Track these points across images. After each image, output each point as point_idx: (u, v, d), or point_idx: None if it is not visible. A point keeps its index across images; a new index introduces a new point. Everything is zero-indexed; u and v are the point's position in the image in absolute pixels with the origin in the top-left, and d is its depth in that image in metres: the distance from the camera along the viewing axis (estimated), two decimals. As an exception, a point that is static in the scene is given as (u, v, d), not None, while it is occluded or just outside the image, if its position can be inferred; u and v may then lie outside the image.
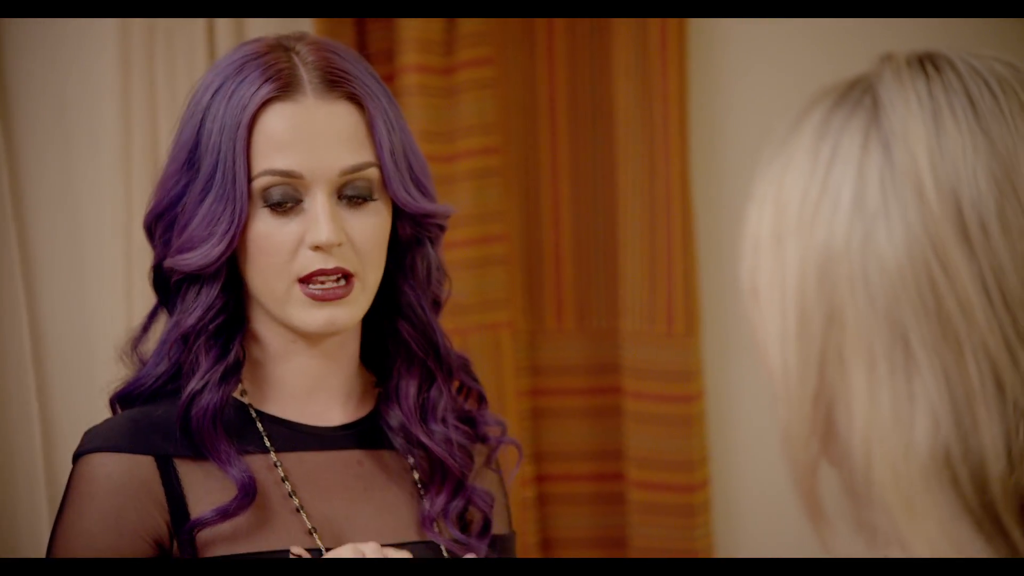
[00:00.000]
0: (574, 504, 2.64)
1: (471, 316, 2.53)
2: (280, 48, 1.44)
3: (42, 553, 2.32)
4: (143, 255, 2.39)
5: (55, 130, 2.45)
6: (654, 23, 2.52)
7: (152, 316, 1.51)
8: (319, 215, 1.40)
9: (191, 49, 2.42)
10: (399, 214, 1.47)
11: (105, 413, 2.37)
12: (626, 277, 2.57)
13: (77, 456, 1.44)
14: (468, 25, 2.52)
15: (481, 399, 1.57)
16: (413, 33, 2.49)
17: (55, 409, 2.44)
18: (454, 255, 2.41)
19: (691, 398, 2.56)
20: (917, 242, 0.84)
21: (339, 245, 1.41)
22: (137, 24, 2.41)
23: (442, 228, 1.50)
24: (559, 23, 2.59)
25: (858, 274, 0.85)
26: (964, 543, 0.82)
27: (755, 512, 2.65)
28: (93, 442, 1.44)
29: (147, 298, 2.36)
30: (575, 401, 2.64)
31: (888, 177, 0.86)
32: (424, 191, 1.48)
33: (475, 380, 1.56)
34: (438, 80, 2.53)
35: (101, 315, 2.45)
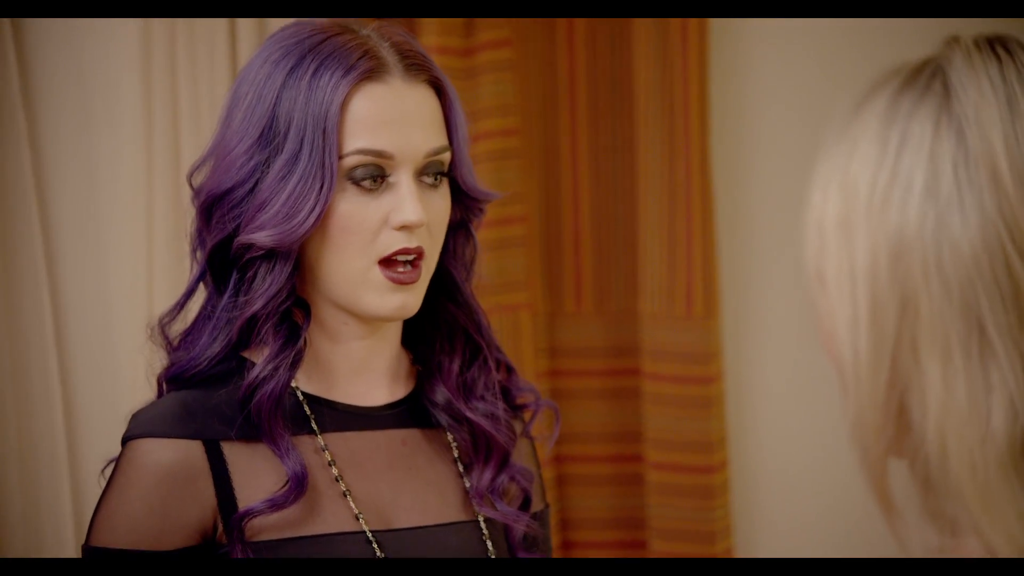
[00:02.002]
0: (593, 485, 2.64)
1: (490, 297, 2.53)
2: (348, 30, 1.45)
3: (63, 536, 2.35)
4: (164, 240, 2.39)
5: (76, 115, 2.44)
6: (675, 4, 2.51)
7: (189, 294, 1.50)
8: (406, 195, 1.41)
9: (212, 37, 2.41)
10: (452, 197, 1.49)
11: (126, 395, 2.39)
12: (645, 259, 2.57)
13: (126, 439, 1.44)
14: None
15: (510, 369, 1.58)
16: (434, 14, 2.48)
17: (77, 392, 2.44)
18: (474, 237, 2.41)
19: (710, 379, 2.56)
20: (992, 227, 0.83)
21: (423, 225, 1.42)
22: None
23: (483, 211, 1.52)
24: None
25: (932, 261, 0.84)
26: (1043, 532, 0.81)
27: (773, 493, 2.65)
28: (142, 427, 1.43)
29: (168, 282, 2.38)
30: (594, 382, 2.64)
31: (961, 163, 0.85)
32: (474, 176, 1.49)
33: (502, 352, 1.57)
34: (458, 61, 2.52)
35: (122, 300, 2.44)
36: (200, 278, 1.48)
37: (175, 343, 1.49)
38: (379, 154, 1.41)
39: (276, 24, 2.41)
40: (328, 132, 1.40)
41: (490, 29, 2.52)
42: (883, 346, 0.85)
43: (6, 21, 2.35)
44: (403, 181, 1.42)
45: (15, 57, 2.36)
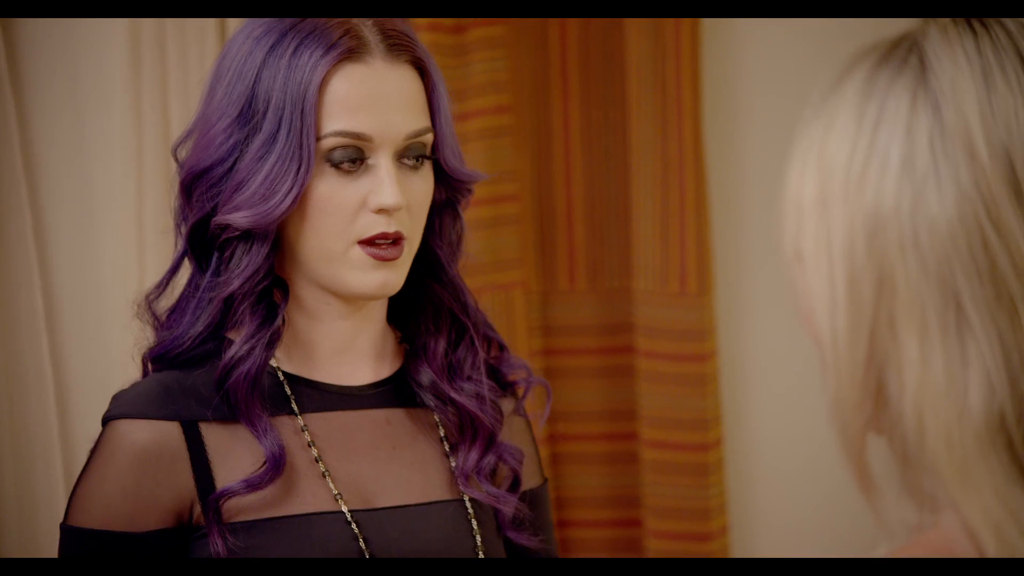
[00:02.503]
0: (587, 463, 2.64)
1: (483, 276, 2.52)
2: None
3: (56, 514, 2.35)
4: (155, 217, 2.39)
5: (66, 97, 2.44)
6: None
7: (173, 271, 1.50)
8: (384, 178, 1.40)
9: (202, 22, 2.41)
10: (437, 178, 1.47)
11: (119, 377, 2.38)
12: (638, 236, 2.56)
13: (105, 420, 1.44)
14: (479, -17, 2.50)
15: (502, 347, 1.57)
16: (424, -9, 2.47)
17: (69, 372, 2.44)
18: (466, 215, 2.40)
19: (704, 357, 2.56)
20: (969, 202, 0.83)
21: (401, 208, 1.41)
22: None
23: (471, 192, 1.51)
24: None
25: (908, 237, 0.84)
26: (1019, 508, 0.81)
27: (768, 471, 2.65)
28: (121, 408, 1.43)
29: (159, 260, 2.38)
30: (588, 361, 2.64)
31: (938, 137, 0.84)
32: (460, 158, 1.48)
33: (493, 330, 1.56)
34: (449, 38, 2.51)
35: (113, 278, 2.44)
36: (184, 255, 1.47)
37: (163, 320, 1.49)
38: (358, 136, 1.40)
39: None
40: (306, 113, 1.38)
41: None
42: (861, 323, 0.85)
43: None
44: (382, 164, 1.40)
45: (2, 43, 2.35)
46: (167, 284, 1.50)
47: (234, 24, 2.40)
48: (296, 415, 1.46)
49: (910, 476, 0.84)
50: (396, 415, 1.50)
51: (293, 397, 1.46)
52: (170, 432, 1.41)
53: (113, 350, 2.43)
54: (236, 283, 1.42)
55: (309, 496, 1.43)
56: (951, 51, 0.86)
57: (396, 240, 1.41)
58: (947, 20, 0.89)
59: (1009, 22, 0.88)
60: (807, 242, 0.87)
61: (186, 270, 1.49)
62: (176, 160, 1.48)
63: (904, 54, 0.88)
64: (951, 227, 0.83)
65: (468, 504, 1.49)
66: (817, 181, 0.88)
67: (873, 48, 0.90)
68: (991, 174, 0.83)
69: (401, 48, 1.42)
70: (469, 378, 1.51)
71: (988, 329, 0.82)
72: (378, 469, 1.47)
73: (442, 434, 1.51)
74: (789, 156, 0.93)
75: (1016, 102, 0.84)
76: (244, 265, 1.42)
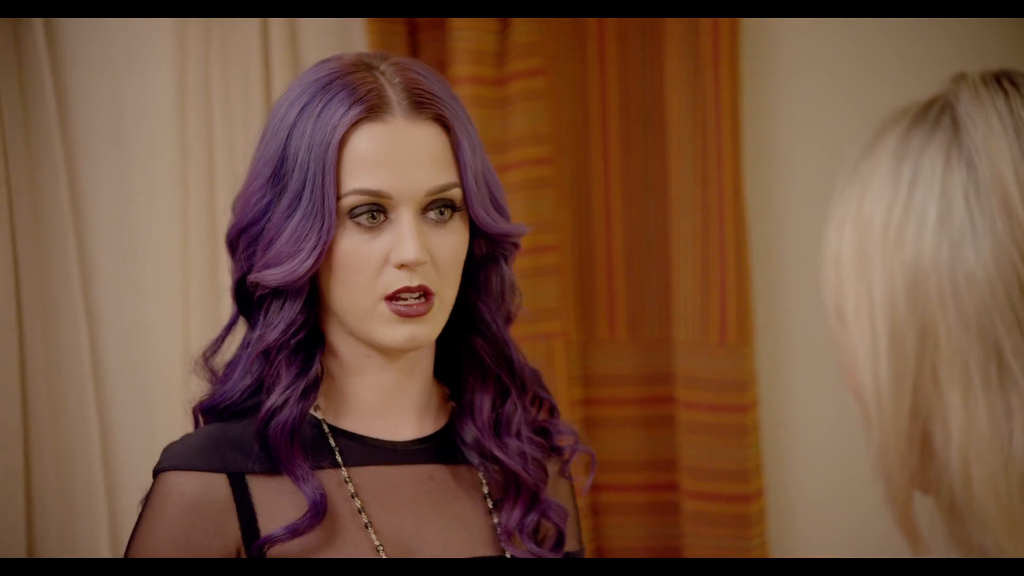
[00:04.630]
0: (628, 514, 2.63)
1: (524, 326, 2.53)
2: (364, 67, 1.45)
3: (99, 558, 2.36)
4: (200, 266, 2.41)
5: (112, 145, 2.47)
6: (706, 30, 2.52)
7: (229, 328, 1.52)
8: (405, 234, 1.41)
9: (245, 52, 2.44)
10: (475, 232, 1.48)
11: (161, 424, 2.40)
12: (678, 286, 2.57)
13: (156, 472, 1.46)
14: (520, 36, 2.52)
15: (552, 410, 1.57)
16: (465, 44, 2.49)
17: (113, 420, 2.46)
18: (507, 266, 2.42)
19: (745, 408, 2.55)
20: (1006, 254, 0.84)
21: (423, 264, 1.42)
22: (192, 27, 2.43)
23: (516, 246, 1.51)
24: (610, 33, 2.59)
25: (948, 290, 0.84)
26: (1067, 557, 0.81)
27: (811, 522, 2.64)
28: (170, 460, 1.45)
29: (204, 313, 2.40)
30: (628, 411, 2.64)
31: (973, 193, 0.86)
32: (501, 211, 1.49)
33: (546, 391, 1.57)
34: (490, 91, 2.53)
35: (158, 327, 2.46)
36: (239, 312, 1.50)
37: (219, 374, 1.51)
38: (376, 194, 1.42)
39: (307, 54, 2.43)
40: (327, 172, 1.41)
41: (523, 58, 2.53)
42: (904, 376, 0.85)
43: (42, 49, 2.37)
44: (403, 219, 1.42)
45: (52, 86, 2.39)
46: (223, 340, 1.52)
47: (277, 72, 2.42)
48: (340, 467, 1.47)
49: (957, 528, 0.84)
50: (439, 471, 1.50)
51: (337, 449, 1.47)
52: (217, 483, 1.43)
53: (156, 397, 2.45)
54: (271, 337, 1.44)
55: (351, 546, 1.44)
56: (983, 110, 0.88)
57: (425, 295, 1.42)
58: (978, 79, 0.91)
59: None
60: (848, 299, 0.88)
61: (242, 327, 1.52)
62: (233, 215, 1.51)
63: (936, 115, 0.90)
64: (989, 279, 0.84)
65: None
66: (856, 240, 0.89)
67: (905, 110, 0.92)
68: None
69: (424, 106, 1.44)
70: (516, 434, 1.51)
71: None
72: (420, 524, 1.47)
73: (485, 491, 1.52)
74: (827, 213, 0.94)
75: None
76: (278, 321, 1.44)
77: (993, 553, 0.83)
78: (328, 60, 1.48)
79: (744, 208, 2.55)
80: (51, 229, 2.38)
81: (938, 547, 0.85)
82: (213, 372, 1.51)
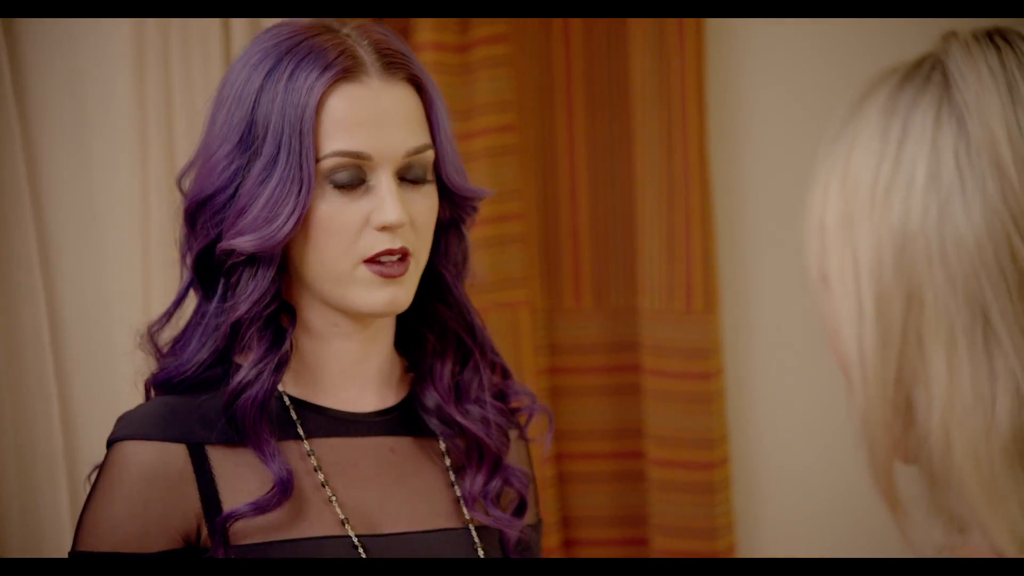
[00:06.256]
0: (594, 482, 2.63)
1: (488, 295, 2.52)
2: (327, 30, 1.43)
3: (61, 535, 2.34)
4: (161, 242, 2.38)
5: (71, 118, 2.43)
6: (671, -2, 2.50)
7: (178, 303, 1.49)
8: (386, 196, 1.40)
9: (205, 37, 2.40)
10: (440, 195, 1.47)
11: (124, 398, 2.37)
12: (644, 255, 2.56)
13: (111, 442, 1.43)
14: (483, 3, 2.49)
15: (505, 373, 1.56)
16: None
17: (74, 395, 2.43)
18: (471, 234, 2.40)
19: (710, 375, 2.55)
20: (996, 215, 0.82)
21: (404, 225, 1.40)
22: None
23: (475, 210, 1.50)
24: (574, -1, 2.57)
25: (936, 252, 0.83)
26: (1048, 526, 0.80)
27: (775, 489, 2.64)
28: (127, 429, 1.43)
29: (165, 285, 2.37)
30: (594, 379, 2.63)
31: (963, 151, 0.84)
32: (463, 174, 1.47)
33: (498, 355, 1.56)
34: (454, 58, 2.51)
35: (119, 302, 2.44)
36: (189, 285, 1.47)
37: (164, 350, 1.48)
38: (357, 155, 1.40)
39: (269, 23, 2.40)
40: (304, 135, 1.38)
41: (486, 25, 2.50)
42: (890, 341, 0.84)
43: (-2, 23, 2.34)
44: (383, 181, 1.40)
45: (7, 59, 2.35)
46: (171, 315, 1.50)
47: (239, 41, 2.39)
48: (302, 439, 1.45)
49: (938, 496, 0.83)
50: (401, 443, 1.49)
51: (299, 421, 1.46)
52: (176, 453, 1.41)
53: (118, 372, 2.42)
54: (243, 308, 1.42)
55: (316, 521, 1.42)
56: (975, 66, 0.86)
57: (403, 256, 1.41)
58: (969, 36, 0.89)
59: None
60: (832, 263, 0.87)
61: (191, 301, 1.49)
62: (180, 191, 1.47)
63: (927, 72, 0.88)
64: (978, 240, 0.82)
65: (473, 532, 1.48)
66: (841, 201, 0.87)
67: (894, 69, 0.91)
68: (1018, 186, 0.82)
69: (397, 66, 1.42)
70: (475, 400, 1.50)
71: (1016, 343, 0.81)
72: (383, 496, 1.46)
73: (447, 463, 1.51)
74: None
75: None
76: (251, 289, 1.42)
77: (971, 523, 0.82)
78: (281, 25, 1.45)
79: (710, 176, 2.54)
80: (8, 200, 2.35)
81: (919, 516, 0.84)
82: (158, 347, 1.48)
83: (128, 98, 2.42)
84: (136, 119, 2.41)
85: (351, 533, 1.42)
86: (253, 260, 1.41)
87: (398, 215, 1.39)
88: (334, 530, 1.42)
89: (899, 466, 0.85)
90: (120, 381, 2.40)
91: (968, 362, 0.82)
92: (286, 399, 1.46)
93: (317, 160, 1.39)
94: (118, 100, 2.43)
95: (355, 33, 1.43)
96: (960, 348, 0.82)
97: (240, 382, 1.41)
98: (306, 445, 1.45)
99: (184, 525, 1.40)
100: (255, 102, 1.40)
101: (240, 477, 1.41)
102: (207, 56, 2.40)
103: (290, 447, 1.44)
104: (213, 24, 2.40)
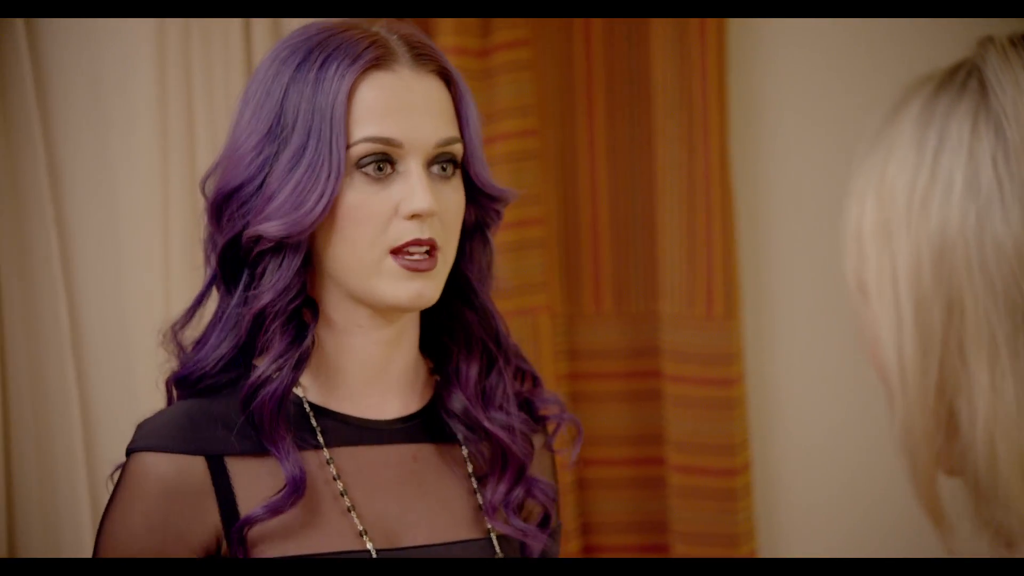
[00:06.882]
0: (614, 488, 2.62)
1: (508, 300, 2.51)
2: (357, 27, 1.43)
3: (81, 535, 2.34)
4: (181, 243, 2.38)
5: (92, 120, 2.44)
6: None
7: (200, 300, 1.48)
8: (416, 183, 1.38)
9: (226, 22, 2.40)
10: (467, 197, 1.45)
11: (143, 399, 2.37)
12: (665, 259, 2.54)
13: (130, 451, 1.41)
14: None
15: (535, 380, 1.55)
16: (449, 14, 2.46)
17: (94, 394, 2.43)
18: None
19: (731, 381, 2.54)
20: None
21: (433, 215, 1.39)
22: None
23: (500, 215, 1.48)
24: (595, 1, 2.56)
25: (975, 259, 0.82)
26: (1096, 538, 0.79)
27: (796, 496, 2.63)
28: (146, 439, 1.41)
29: (184, 284, 2.36)
30: (614, 385, 2.62)
31: (1001, 158, 0.83)
32: (489, 174, 1.46)
33: (527, 362, 1.54)
34: (475, 62, 2.50)
35: (138, 302, 2.44)
36: (212, 283, 1.45)
37: (187, 349, 1.47)
38: (387, 142, 1.38)
39: (291, 25, 2.40)
40: (335, 121, 1.37)
41: (507, 29, 2.50)
42: (930, 349, 0.83)
43: (20, 24, 2.34)
44: (413, 169, 1.38)
45: (29, 61, 2.35)
46: (194, 313, 1.48)
47: (260, 43, 2.39)
48: (322, 448, 1.43)
49: (983, 509, 0.81)
50: (423, 451, 1.47)
51: (319, 429, 1.44)
52: (195, 467, 1.39)
53: (137, 372, 2.42)
54: (268, 297, 1.39)
55: (334, 533, 1.40)
56: (1012, 73, 0.85)
57: (430, 250, 1.39)
58: (1006, 41, 0.88)
59: None
60: (870, 272, 0.86)
61: (213, 301, 1.47)
62: (204, 195, 1.46)
63: (963, 79, 0.87)
64: (1018, 247, 0.81)
65: (495, 542, 1.46)
66: (879, 210, 0.86)
67: (930, 76, 0.89)
68: None
69: (427, 58, 1.41)
70: (500, 407, 1.48)
71: None
72: (404, 507, 1.44)
73: (470, 470, 1.49)
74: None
75: None
76: (276, 279, 1.39)
77: (1020, 536, 0.80)
78: (311, 25, 1.45)
79: (731, 180, 2.53)
80: (29, 202, 2.35)
81: (963, 528, 0.82)
82: (181, 346, 1.47)
83: (149, 100, 2.42)
84: (156, 121, 2.41)
85: (370, 546, 1.41)
86: (279, 249, 1.39)
87: (428, 203, 1.37)
88: (352, 543, 1.40)
89: (943, 478, 0.84)
90: (140, 381, 2.40)
91: (1011, 372, 0.80)
92: (306, 405, 1.44)
93: (347, 147, 1.38)
94: (139, 102, 2.43)
95: (384, 29, 1.43)
96: (1003, 357, 0.81)
97: (259, 376, 1.39)
98: (325, 453, 1.43)
99: (204, 538, 1.39)
100: (284, 94, 1.39)
101: (259, 487, 1.39)
102: (228, 58, 2.40)
103: (309, 456, 1.42)
104: (234, 26, 2.40)
